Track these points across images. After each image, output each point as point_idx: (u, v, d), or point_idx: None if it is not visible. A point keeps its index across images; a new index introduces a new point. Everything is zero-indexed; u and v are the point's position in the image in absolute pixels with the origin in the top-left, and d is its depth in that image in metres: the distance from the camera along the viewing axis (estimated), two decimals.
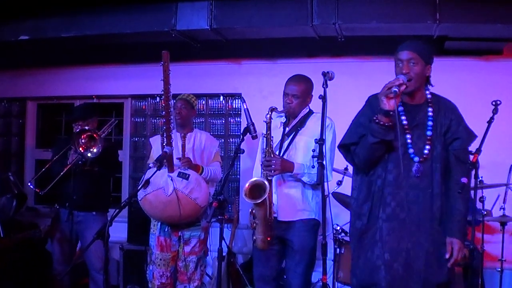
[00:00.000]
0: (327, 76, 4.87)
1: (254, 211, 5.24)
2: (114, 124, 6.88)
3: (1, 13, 7.80)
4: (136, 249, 7.77)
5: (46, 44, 8.19)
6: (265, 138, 5.32)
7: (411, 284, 4.21)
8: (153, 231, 6.30)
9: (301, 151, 5.46)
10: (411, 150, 4.28)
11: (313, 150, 5.12)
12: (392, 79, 4.12)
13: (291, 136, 5.51)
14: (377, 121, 4.15)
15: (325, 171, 5.19)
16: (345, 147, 4.52)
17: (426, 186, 4.28)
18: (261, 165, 5.31)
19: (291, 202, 5.45)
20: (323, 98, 4.83)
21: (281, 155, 5.42)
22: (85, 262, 6.86)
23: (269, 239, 5.39)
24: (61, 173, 6.42)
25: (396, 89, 4.01)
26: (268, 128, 5.33)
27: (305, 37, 7.48)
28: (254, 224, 5.32)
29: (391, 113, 4.09)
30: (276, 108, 5.28)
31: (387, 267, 4.22)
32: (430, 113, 4.31)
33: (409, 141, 4.29)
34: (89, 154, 6.42)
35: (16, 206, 6.63)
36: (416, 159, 4.26)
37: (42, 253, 7.50)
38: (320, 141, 4.74)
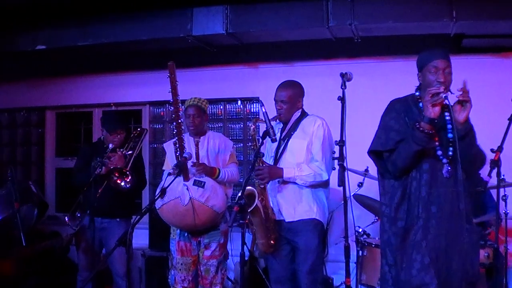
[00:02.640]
0: (345, 77, 4.87)
1: (249, 218, 5.30)
2: (145, 135, 6.88)
3: (18, 24, 7.85)
4: (157, 255, 7.80)
5: (63, 53, 8.22)
6: (252, 149, 5.51)
7: (453, 282, 4.22)
8: (173, 236, 6.31)
9: (294, 154, 5.56)
10: (439, 152, 4.28)
11: (334, 152, 5.16)
12: (433, 87, 4.13)
13: (285, 141, 5.62)
14: (421, 129, 4.13)
15: (319, 170, 5.32)
16: (376, 154, 4.50)
17: (453, 185, 4.28)
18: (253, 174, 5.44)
19: (291, 203, 5.56)
20: (342, 99, 4.82)
21: (276, 159, 5.59)
22: (108, 269, 6.87)
23: (273, 242, 5.46)
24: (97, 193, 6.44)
25: (446, 94, 4.04)
26: (254, 139, 5.56)
27: (321, 39, 7.45)
28: (253, 231, 5.39)
29: (435, 120, 4.12)
30: (263, 118, 5.34)
31: (435, 266, 4.19)
32: (448, 117, 4.28)
33: (437, 143, 4.28)
34: (122, 184, 6.44)
35: (38, 215, 6.65)
36: (445, 160, 4.27)
37: (64, 261, 7.52)
38: (340, 143, 4.75)
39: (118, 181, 6.42)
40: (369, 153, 4.54)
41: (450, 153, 4.25)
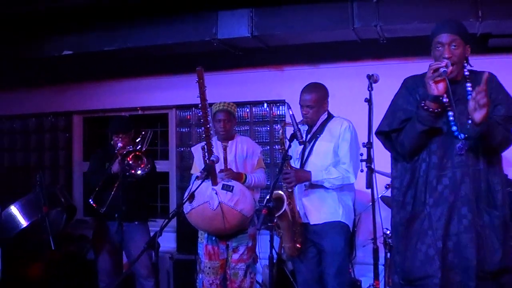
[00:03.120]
0: (372, 79, 4.86)
1: (277, 221, 5.30)
2: (150, 136, 6.89)
3: (45, 30, 7.91)
4: (185, 259, 7.83)
5: (89, 58, 8.27)
6: (281, 152, 5.53)
7: (465, 272, 3.92)
8: (201, 240, 6.33)
9: (320, 157, 5.57)
10: (454, 128, 3.99)
11: (361, 154, 5.17)
12: (435, 62, 3.91)
13: (311, 143, 5.62)
14: (425, 107, 3.92)
15: (347, 173, 5.31)
16: (384, 134, 4.37)
17: (473, 163, 4.00)
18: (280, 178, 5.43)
19: (316, 205, 5.57)
20: (369, 101, 4.81)
21: (302, 162, 5.59)
22: (130, 273, 6.89)
23: (299, 245, 5.46)
24: (112, 189, 6.47)
25: (445, 69, 3.79)
26: (282, 142, 5.54)
27: (347, 41, 7.43)
28: (280, 234, 5.40)
29: (441, 98, 3.89)
30: (294, 120, 5.32)
31: (441, 256, 3.94)
32: (469, 88, 4.03)
33: (451, 118, 4.01)
34: (139, 172, 6.47)
35: (66, 218, 6.69)
36: (461, 135, 3.97)
37: (92, 264, 7.57)
38: (368, 145, 4.73)
39: (133, 172, 6.46)
40: (376, 134, 4.42)
41: (469, 127, 3.88)
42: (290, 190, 5.45)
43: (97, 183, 6.66)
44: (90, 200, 6.51)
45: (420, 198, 4.11)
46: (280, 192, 5.35)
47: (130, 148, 6.54)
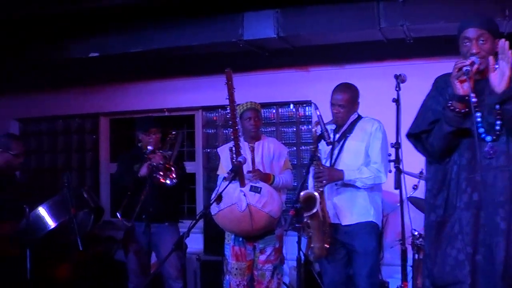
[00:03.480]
0: (399, 79, 4.85)
1: (307, 221, 5.28)
2: (181, 138, 6.91)
3: (71, 32, 7.95)
4: (212, 260, 7.82)
5: (115, 59, 8.30)
6: (312, 151, 5.42)
7: (495, 278, 3.76)
8: (228, 241, 6.34)
9: (351, 156, 5.54)
10: (481, 130, 3.83)
11: (389, 154, 5.14)
12: (460, 60, 3.75)
13: (341, 143, 5.59)
14: (451, 108, 3.79)
15: (378, 173, 5.26)
16: (414, 136, 4.29)
17: (503, 164, 3.83)
18: (312, 177, 5.43)
19: (348, 206, 5.54)
20: (397, 101, 4.79)
21: (332, 161, 5.57)
22: (159, 273, 6.90)
23: (327, 246, 5.44)
24: (141, 196, 6.47)
25: (468, 68, 3.64)
26: (315, 141, 5.43)
27: (373, 41, 7.41)
28: (309, 234, 5.37)
29: (466, 98, 3.69)
30: (321, 121, 5.29)
31: (471, 262, 3.82)
32: None
33: (479, 119, 3.82)
34: (168, 181, 6.49)
35: (94, 220, 6.72)
36: (488, 138, 3.82)
37: (120, 265, 7.60)
38: (396, 145, 4.72)
39: (162, 180, 6.47)
40: (407, 137, 4.32)
41: (497, 127, 3.79)
42: (321, 189, 5.39)
43: (126, 185, 6.72)
44: (118, 214, 6.53)
45: (452, 201, 3.98)
46: (311, 191, 5.32)
47: (159, 152, 6.56)
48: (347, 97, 5.57)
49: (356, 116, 5.66)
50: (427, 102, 4.20)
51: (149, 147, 6.62)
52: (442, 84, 4.12)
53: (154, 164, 6.48)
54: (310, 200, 5.24)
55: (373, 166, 5.46)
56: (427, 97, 4.26)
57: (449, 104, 3.82)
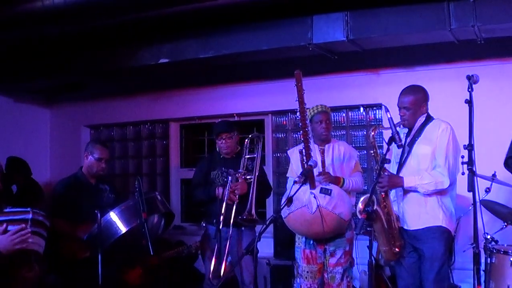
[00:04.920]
0: (471, 80, 4.78)
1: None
2: (261, 140, 6.93)
3: (141, 39, 8.04)
4: (282, 264, 7.81)
5: (185, 65, 8.36)
6: (373, 156, 5.46)
7: None
8: (298, 244, 6.34)
9: (418, 160, 5.51)
10: None
11: (462, 157, 5.07)
12: None
13: (410, 147, 5.57)
14: None
15: (441, 177, 5.21)
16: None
17: None
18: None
19: (416, 210, 5.51)
20: (469, 102, 4.73)
21: (401, 165, 5.57)
22: (234, 278, 6.92)
23: (398, 249, 5.40)
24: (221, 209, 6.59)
25: None
26: (374, 146, 5.46)
27: (443, 42, 7.29)
28: (374, 236, 5.35)
29: None
30: (382, 125, 5.28)
31: None
32: None
33: None
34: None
35: (164, 225, 6.78)
36: None
37: (190, 270, 7.65)
38: (469, 147, 4.64)
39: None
40: (504, 165, 4.30)
41: None
42: (383, 194, 5.41)
43: (203, 200, 6.99)
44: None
45: None
46: (368, 196, 5.26)
47: (242, 189, 6.64)
48: (412, 100, 5.56)
49: (425, 118, 5.60)
50: None
51: (229, 178, 6.69)
52: None
53: (237, 192, 6.61)
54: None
55: (437, 170, 5.41)
56: None
57: None
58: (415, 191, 5.44)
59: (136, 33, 7.87)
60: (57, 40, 7.96)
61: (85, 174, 6.60)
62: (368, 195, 5.13)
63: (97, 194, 6.61)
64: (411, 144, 5.54)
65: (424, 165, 5.46)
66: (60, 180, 6.84)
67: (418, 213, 5.47)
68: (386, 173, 5.42)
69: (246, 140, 6.81)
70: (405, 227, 5.56)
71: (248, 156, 6.76)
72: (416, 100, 5.56)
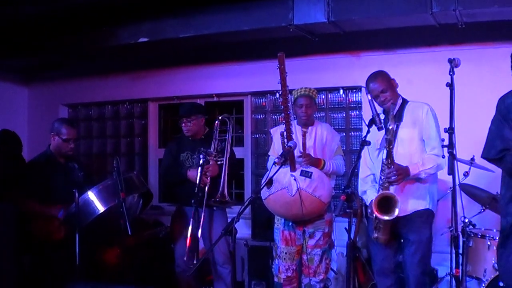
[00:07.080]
0: (453, 63, 4.78)
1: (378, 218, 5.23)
2: (230, 120, 6.91)
3: (120, 17, 7.97)
4: (260, 245, 7.82)
5: (165, 45, 8.30)
6: (385, 151, 5.28)
7: None
8: (277, 225, 6.36)
9: (405, 144, 5.46)
10: None
11: (443, 139, 5.07)
12: None
13: (395, 135, 5.36)
14: None
15: (440, 160, 5.20)
16: (488, 160, 4.32)
17: None
18: (380, 176, 5.32)
19: (406, 196, 5.45)
20: (450, 85, 4.73)
21: (390, 154, 5.36)
22: (207, 259, 6.91)
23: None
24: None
25: None
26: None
27: (424, 26, 7.28)
28: (378, 226, 5.31)
29: None
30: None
31: None
32: None
33: None
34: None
35: (143, 205, 6.75)
36: None
37: (167, 250, 7.64)
38: (450, 130, 4.65)
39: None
40: (496, 160, 4.31)
41: None
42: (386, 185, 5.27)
43: (174, 182, 7.01)
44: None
45: None
46: (391, 193, 5.20)
47: (214, 172, 6.65)
48: (383, 80, 5.55)
49: (401, 100, 5.55)
50: (492, 128, 4.26)
51: (202, 156, 6.64)
52: (504, 110, 4.13)
53: (208, 174, 6.59)
54: (388, 201, 5.14)
55: (432, 152, 5.38)
56: (492, 121, 4.31)
57: None
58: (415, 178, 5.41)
59: (115, 11, 7.80)
60: (34, 19, 7.87)
61: (54, 153, 6.50)
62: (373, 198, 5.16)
63: (67, 173, 6.52)
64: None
65: (412, 149, 5.44)
66: (30, 160, 6.78)
67: (407, 199, 5.43)
68: (393, 167, 5.20)
69: (216, 122, 6.77)
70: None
71: (219, 138, 6.73)
72: (386, 80, 5.56)
